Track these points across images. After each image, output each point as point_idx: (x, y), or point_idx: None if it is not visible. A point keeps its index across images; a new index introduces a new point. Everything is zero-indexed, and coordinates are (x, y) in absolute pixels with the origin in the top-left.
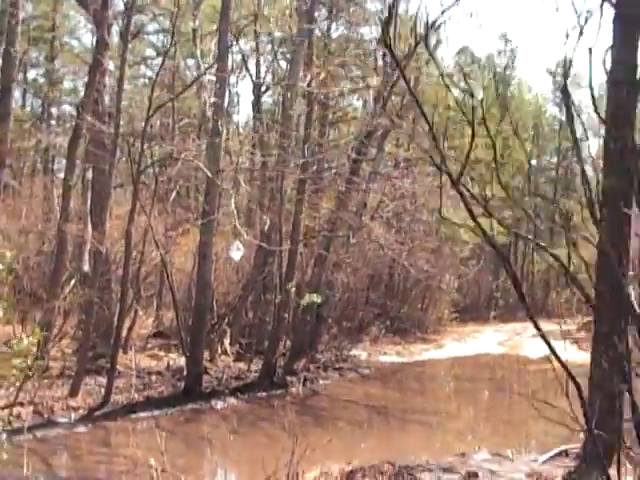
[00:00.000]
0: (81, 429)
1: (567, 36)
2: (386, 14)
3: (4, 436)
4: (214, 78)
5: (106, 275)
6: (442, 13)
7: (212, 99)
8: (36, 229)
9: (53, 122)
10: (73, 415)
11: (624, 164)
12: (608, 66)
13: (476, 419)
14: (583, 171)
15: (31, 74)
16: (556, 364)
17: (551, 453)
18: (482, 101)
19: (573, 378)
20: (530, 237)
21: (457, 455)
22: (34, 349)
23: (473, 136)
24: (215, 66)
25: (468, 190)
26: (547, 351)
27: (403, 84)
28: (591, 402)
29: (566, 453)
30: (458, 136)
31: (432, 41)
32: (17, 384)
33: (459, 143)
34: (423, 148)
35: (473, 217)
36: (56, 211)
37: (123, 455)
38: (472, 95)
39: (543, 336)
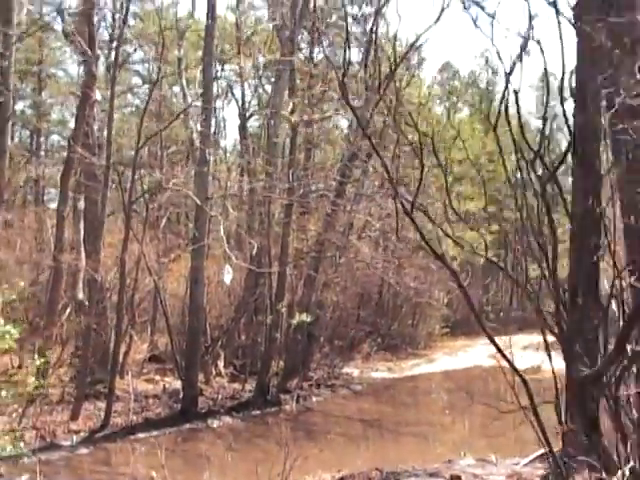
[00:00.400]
0: (83, 451)
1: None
2: (343, 67)
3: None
4: (200, 106)
5: (102, 302)
6: (421, 35)
7: (199, 128)
8: (30, 259)
9: (42, 153)
10: (75, 438)
11: (592, 186)
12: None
13: (470, 431)
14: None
15: (19, 106)
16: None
17: (532, 456)
18: (433, 138)
19: (522, 377)
20: (490, 257)
21: (444, 462)
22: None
23: (422, 168)
24: (201, 98)
25: (424, 212)
26: (536, 362)
27: (385, 104)
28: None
29: (547, 456)
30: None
31: (414, 60)
32: (20, 410)
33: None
34: (384, 178)
35: (424, 239)
36: (50, 241)
37: (124, 473)
38: (418, 131)
39: (492, 341)
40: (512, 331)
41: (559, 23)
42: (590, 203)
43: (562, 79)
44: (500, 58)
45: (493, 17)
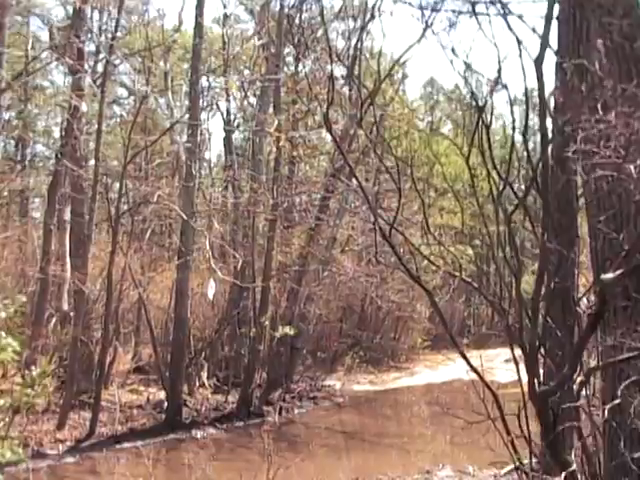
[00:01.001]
0: (69, 460)
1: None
2: (328, 96)
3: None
4: (186, 120)
5: (88, 314)
6: (404, 52)
7: (185, 142)
8: (16, 270)
9: (26, 164)
10: (61, 447)
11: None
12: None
13: (451, 443)
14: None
15: (4, 116)
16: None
17: (509, 467)
18: (411, 166)
19: (492, 391)
20: (464, 278)
21: (422, 472)
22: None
23: (400, 196)
24: (187, 114)
25: (402, 234)
26: (516, 376)
27: (370, 119)
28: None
29: (523, 468)
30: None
31: (398, 76)
32: (7, 419)
33: (426, 170)
34: (364, 198)
35: (401, 262)
36: (35, 252)
37: None
38: (396, 158)
39: (464, 357)
40: (493, 345)
41: (523, 68)
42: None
43: (526, 124)
44: (475, 98)
45: (469, 66)
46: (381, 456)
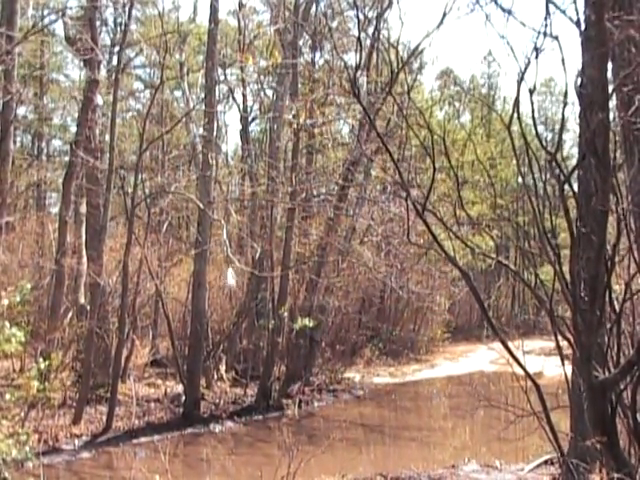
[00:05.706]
0: (85, 454)
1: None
2: (354, 64)
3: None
4: (203, 110)
5: (104, 307)
6: (423, 39)
7: (201, 132)
8: (32, 263)
9: (44, 158)
10: (77, 442)
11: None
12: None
13: (471, 436)
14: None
15: (21, 111)
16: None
17: (537, 462)
18: (444, 139)
19: (534, 382)
20: (500, 259)
21: (447, 467)
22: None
23: (434, 170)
24: (203, 102)
25: (435, 215)
26: (538, 368)
27: (387, 109)
28: (572, 413)
29: (551, 462)
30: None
31: (415, 66)
32: (22, 414)
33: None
34: (395, 181)
35: (437, 241)
36: (51, 245)
37: (127, 477)
38: (431, 131)
39: (505, 345)
40: (513, 336)
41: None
42: (598, 205)
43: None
44: (514, 55)
45: (509, 12)
46: (402, 449)
